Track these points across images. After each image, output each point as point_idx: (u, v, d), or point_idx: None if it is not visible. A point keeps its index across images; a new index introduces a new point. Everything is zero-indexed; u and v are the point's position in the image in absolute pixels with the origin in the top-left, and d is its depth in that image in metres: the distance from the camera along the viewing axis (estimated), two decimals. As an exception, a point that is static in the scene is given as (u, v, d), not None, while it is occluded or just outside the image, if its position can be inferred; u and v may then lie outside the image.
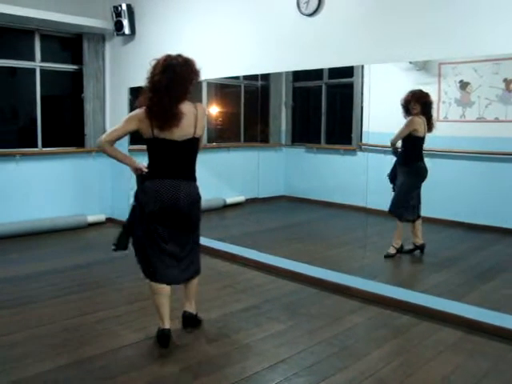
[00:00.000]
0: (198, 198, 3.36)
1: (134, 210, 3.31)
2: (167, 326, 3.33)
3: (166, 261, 3.27)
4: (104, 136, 3.19)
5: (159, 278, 3.28)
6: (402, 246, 5.12)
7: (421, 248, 5.12)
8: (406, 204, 5.11)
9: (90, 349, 3.27)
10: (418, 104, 4.95)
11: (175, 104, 3.10)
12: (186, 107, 3.17)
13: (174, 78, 3.10)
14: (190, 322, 3.59)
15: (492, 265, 4.94)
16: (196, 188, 3.34)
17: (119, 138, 3.19)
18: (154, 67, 3.16)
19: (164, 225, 3.23)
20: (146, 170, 3.22)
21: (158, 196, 3.17)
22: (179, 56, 3.19)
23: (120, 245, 3.35)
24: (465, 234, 5.65)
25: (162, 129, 3.11)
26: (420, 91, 5.03)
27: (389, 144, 5.18)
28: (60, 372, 2.98)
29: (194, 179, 3.34)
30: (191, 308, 3.59)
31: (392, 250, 5.09)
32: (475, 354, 3.27)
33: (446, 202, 5.34)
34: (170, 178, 3.20)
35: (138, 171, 3.24)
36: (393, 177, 5.14)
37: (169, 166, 3.22)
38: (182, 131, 3.15)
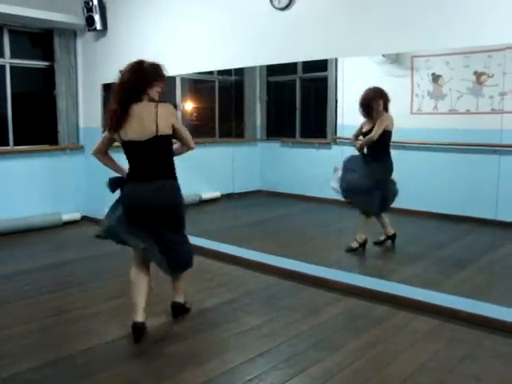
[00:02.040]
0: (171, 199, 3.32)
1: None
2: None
3: None
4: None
5: None
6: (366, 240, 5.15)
7: (393, 238, 5.18)
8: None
9: (68, 347, 3.23)
10: (381, 100, 4.96)
11: (120, 106, 3.15)
12: (140, 108, 3.16)
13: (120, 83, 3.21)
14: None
15: (466, 254, 5.02)
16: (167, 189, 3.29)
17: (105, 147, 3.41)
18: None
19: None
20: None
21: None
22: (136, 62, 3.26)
23: None
24: (439, 224, 5.72)
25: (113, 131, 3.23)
26: (379, 88, 5.03)
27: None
28: (36, 372, 2.94)
29: (165, 177, 3.29)
30: None
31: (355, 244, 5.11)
32: (451, 342, 3.33)
33: (420, 193, 5.40)
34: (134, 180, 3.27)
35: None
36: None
37: (134, 167, 3.30)
38: (135, 132, 3.15)
